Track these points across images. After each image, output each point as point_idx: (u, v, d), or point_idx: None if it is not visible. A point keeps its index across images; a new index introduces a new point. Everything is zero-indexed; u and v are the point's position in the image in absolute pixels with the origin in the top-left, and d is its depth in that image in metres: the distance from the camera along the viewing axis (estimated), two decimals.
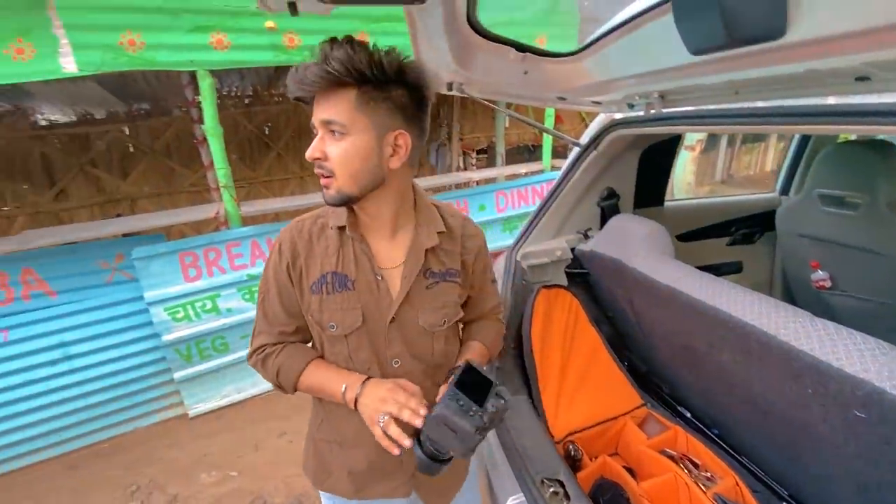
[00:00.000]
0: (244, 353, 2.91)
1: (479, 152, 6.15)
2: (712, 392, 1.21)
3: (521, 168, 4.33)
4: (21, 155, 4.31)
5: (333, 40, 0.68)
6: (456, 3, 1.05)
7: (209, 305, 2.78)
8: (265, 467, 2.46)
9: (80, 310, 2.62)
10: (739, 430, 1.18)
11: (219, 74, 3.55)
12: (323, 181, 0.75)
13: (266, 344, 0.90)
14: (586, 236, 1.59)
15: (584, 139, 1.53)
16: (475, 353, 0.96)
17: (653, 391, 1.50)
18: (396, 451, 0.74)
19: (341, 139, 0.72)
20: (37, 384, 2.57)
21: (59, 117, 4.55)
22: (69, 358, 2.61)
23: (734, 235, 2.03)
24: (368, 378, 0.83)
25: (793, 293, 1.86)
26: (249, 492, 2.30)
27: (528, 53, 1.25)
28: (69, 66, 2.29)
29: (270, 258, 0.87)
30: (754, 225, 2.04)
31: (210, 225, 3.87)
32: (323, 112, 0.71)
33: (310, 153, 0.74)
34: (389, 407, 0.75)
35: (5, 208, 4.36)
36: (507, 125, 5.67)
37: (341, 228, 0.83)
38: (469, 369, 0.78)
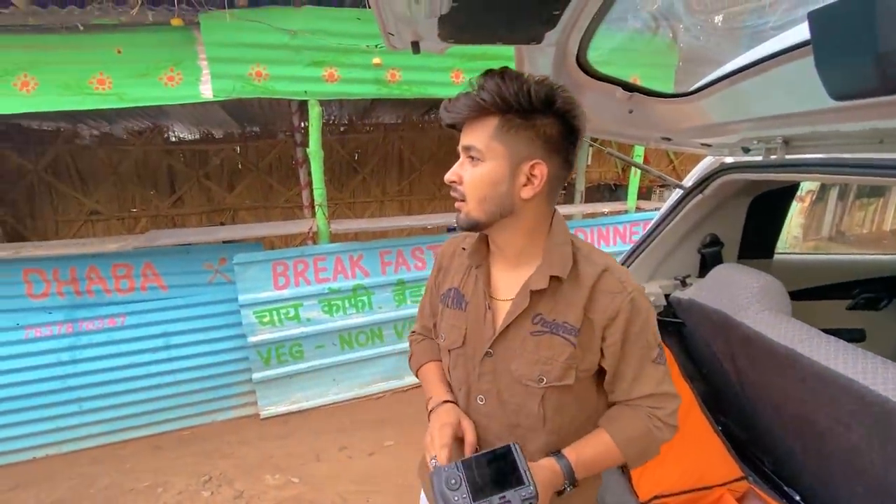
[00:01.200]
0: (317, 362, 3.08)
1: None
2: (832, 475, 1.05)
3: (604, 207, 4.21)
4: (152, 166, 5.00)
5: (489, 71, 0.70)
6: (569, 44, 1.07)
7: (292, 313, 2.96)
8: (325, 479, 2.51)
9: (185, 304, 2.92)
10: None
11: (323, 104, 3.91)
12: (456, 204, 0.76)
13: (415, 331, 1.06)
14: (684, 283, 1.49)
15: (689, 181, 1.46)
16: (593, 447, 0.78)
17: (752, 463, 1.34)
18: None
19: (476, 164, 0.73)
20: (139, 367, 2.87)
21: (186, 135, 5.24)
22: (168, 347, 2.90)
23: (856, 299, 1.80)
24: (446, 402, 0.86)
25: None
26: (308, 500, 2.35)
27: (635, 93, 1.24)
28: (206, 92, 2.65)
29: (435, 264, 0.99)
30: (881, 290, 1.79)
31: (297, 239, 4.18)
32: (466, 138, 0.73)
33: (448, 176, 0.76)
34: (427, 444, 0.81)
35: (133, 210, 5.05)
36: (588, 162, 5.58)
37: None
38: (509, 451, 0.71)
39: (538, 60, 1.15)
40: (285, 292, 2.93)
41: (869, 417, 0.85)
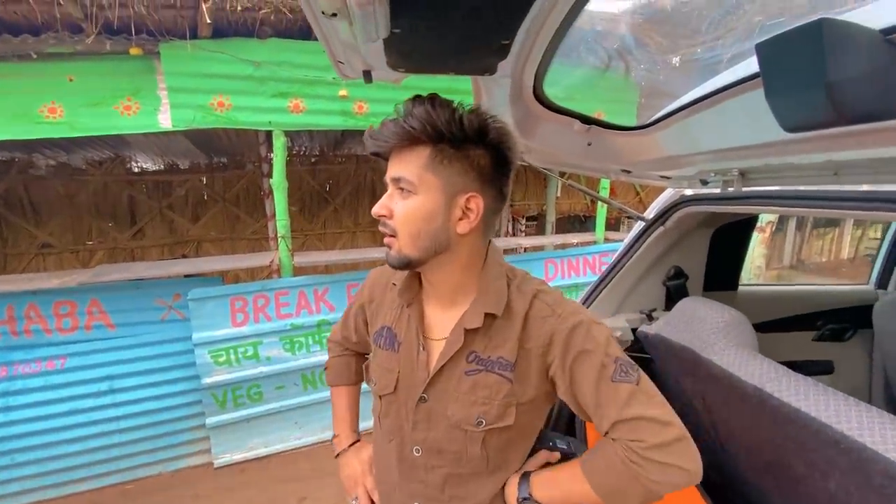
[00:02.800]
0: (277, 404, 2.89)
1: (528, 219, 6.15)
2: None
3: (573, 238, 4.24)
4: (112, 196, 4.80)
5: (416, 97, 0.68)
6: (524, 76, 1.06)
7: (251, 352, 2.79)
8: None
9: (133, 344, 2.71)
10: None
11: (291, 135, 3.86)
12: (386, 240, 0.71)
13: (335, 340, 1.03)
14: (650, 317, 1.45)
15: (650, 213, 1.45)
16: (558, 468, 0.74)
17: None
18: None
19: (408, 197, 0.68)
20: (79, 415, 2.62)
21: (149, 165, 5.08)
22: (113, 391, 2.67)
23: (822, 331, 1.80)
24: (356, 442, 0.94)
25: None
26: None
27: (593, 126, 1.23)
28: (165, 122, 2.57)
29: (362, 286, 0.95)
30: (846, 320, 1.80)
31: (264, 272, 4.03)
32: (394, 169, 0.69)
33: (375, 209, 0.71)
34: (359, 492, 0.85)
35: (89, 242, 4.79)
36: (558, 194, 5.67)
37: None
38: None
39: (494, 92, 1.13)
40: (244, 329, 2.77)
41: (846, 464, 0.79)
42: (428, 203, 0.67)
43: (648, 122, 1.16)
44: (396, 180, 0.69)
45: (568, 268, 3.72)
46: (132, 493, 2.68)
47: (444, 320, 0.76)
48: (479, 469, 0.75)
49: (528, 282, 0.76)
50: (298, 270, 3.06)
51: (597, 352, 0.68)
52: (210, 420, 2.78)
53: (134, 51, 2.44)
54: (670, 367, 1.32)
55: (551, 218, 5.23)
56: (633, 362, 0.71)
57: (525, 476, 0.75)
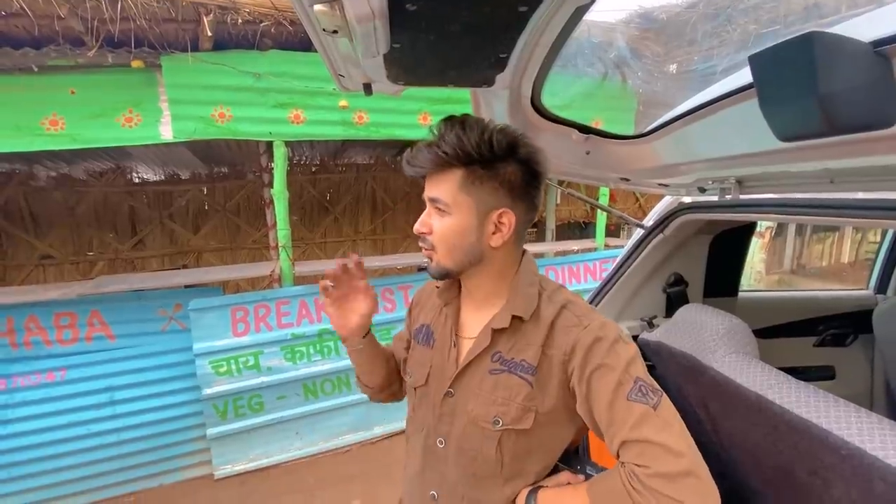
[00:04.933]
0: (278, 414, 2.87)
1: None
2: None
3: (573, 245, 4.25)
4: (113, 207, 4.81)
5: (448, 120, 0.72)
6: (522, 87, 1.07)
7: (251, 362, 2.78)
8: None
9: (133, 355, 2.71)
10: None
11: (292, 145, 3.88)
12: (425, 253, 0.78)
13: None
14: (651, 324, 1.45)
15: (649, 221, 1.46)
16: (565, 489, 0.74)
17: None
18: None
19: (443, 216, 0.74)
20: (79, 427, 2.61)
21: (150, 176, 5.10)
22: (113, 403, 2.66)
23: (823, 336, 1.80)
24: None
25: None
26: None
27: (591, 135, 1.24)
28: (166, 133, 2.59)
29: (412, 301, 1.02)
30: (847, 325, 1.80)
31: (264, 281, 4.02)
32: (430, 190, 0.75)
33: (417, 227, 0.77)
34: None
35: (89, 253, 4.80)
36: (558, 201, 5.69)
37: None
38: None
39: (493, 103, 1.14)
40: (245, 339, 2.76)
41: (848, 471, 0.79)
42: (462, 222, 0.73)
43: (646, 130, 1.17)
44: (433, 200, 0.75)
45: (569, 274, 3.72)
46: None
47: (476, 321, 0.82)
48: (494, 473, 0.76)
49: (561, 293, 0.79)
50: (299, 279, 3.06)
51: (616, 368, 0.67)
52: (211, 431, 2.77)
53: (135, 63, 2.47)
54: (672, 374, 1.32)
55: (551, 225, 5.24)
56: (658, 387, 0.69)
57: (535, 490, 0.76)
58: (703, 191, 1.23)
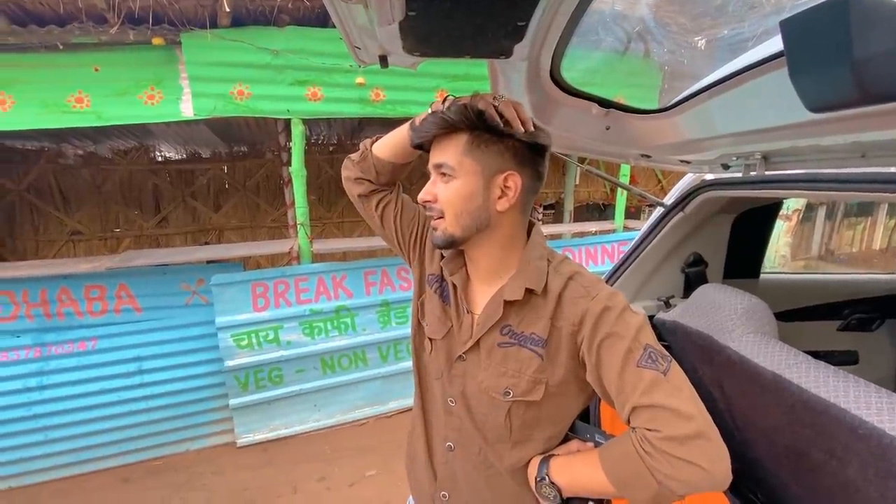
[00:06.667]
0: (297, 387, 2.96)
1: (545, 207, 6.09)
2: None
3: (592, 226, 4.19)
4: (137, 185, 4.94)
5: (456, 98, 0.75)
6: (541, 59, 1.04)
7: (271, 336, 2.86)
8: None
9: (160, 327, 2.81)
10: None
11: (309, 123, 3.89)
12: (433, 223, 0.78)
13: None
14: (668, 304, 1.43)
15: (670, 199, 1.42)
16: (577, 455, 0.76)
17: (743, 496, 1.26)
18: None
19: (449, 181, 0.74)
20: (110, 394, 2.74)
21: (172, 154, 5.19)
22: (141, 372, 2.78)
23: (847, 320, 1.75)
24: None
25: None
26: None
27: (612, 109, 1.21)
28: (187, 111, 2.62)
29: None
30: (872, 310, 1.75)
31: (283, 259, 4.10)
32: (436, 156, 0.76)
33: (421, 196, 0.78)
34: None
35: (116, 230, 4.95)
36: (577, 182, 5.60)
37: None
38: None
39: (512, 76, 1.12)
40: (265, 314, 2.84)
41: (865, 451, 0.78)
42: (468, 185, 0.73)
43: (669, 104, 1.13)
44: (438, 166, 0.75)
45: (587, 256, 3.68)
46: (158, 469, 2.80)
47: (482, 293, 0.82)
48: (503, 438, 0.78)
49: (567, 264, 0.79)
50: (317, 258, 3.11)
51: (625, 336, 0.67)
52: (233, 401, 2.87)
53: (156, 41, 2.49)
54: (687, 354, 1.30)
55: (569, 206, 5.17)
56: (667, 354, 0.69)
57: (547, 458, 0.77)
58: (726, 167, 1.19)
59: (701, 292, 1.25)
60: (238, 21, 2.57)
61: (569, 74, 1.13)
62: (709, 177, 1.30)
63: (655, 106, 1.20)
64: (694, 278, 1.48)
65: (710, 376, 1.22)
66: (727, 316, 1.10)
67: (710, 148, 1.12)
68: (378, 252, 3.32)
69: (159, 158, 5.13)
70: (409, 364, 3.16)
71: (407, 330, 3.12)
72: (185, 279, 2.90)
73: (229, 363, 2.79)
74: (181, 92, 2.60)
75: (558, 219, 5.47)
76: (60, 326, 2.74)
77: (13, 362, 2.63)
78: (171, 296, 2.88)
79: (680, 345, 1.33)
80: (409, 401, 3.22)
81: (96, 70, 2.47)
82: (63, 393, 2.68)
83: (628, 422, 0.68)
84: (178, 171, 5.08)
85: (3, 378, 2.61)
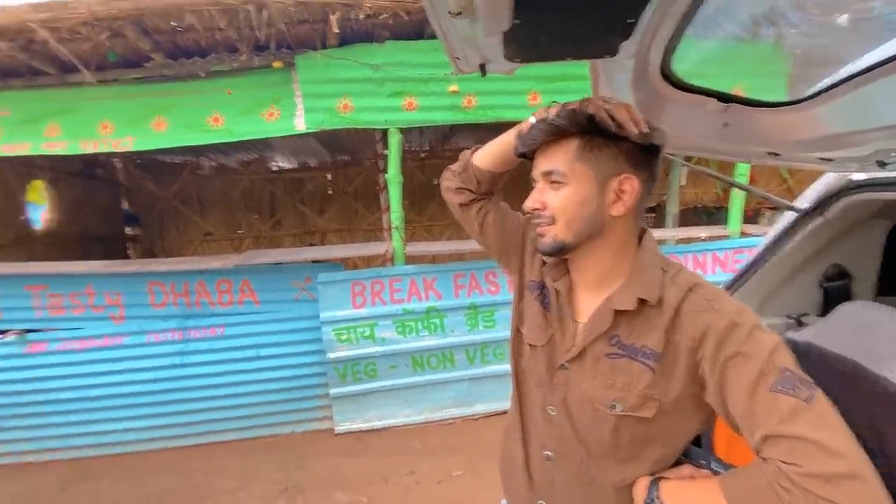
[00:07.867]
0: (389, 382, 3.12)
1: (647, 211, 5.67)
2: None
3: (701, 231, 3.81)
4: (256, 192, 5.60)
5: (564, 104, 0.74)
6: (650, 54, 0.98)
7: (367, 332, 3.05)
8: (391, 503, 2.49)
9: (274, 319, 3.15)
10: None
11: (403, 131, 4.09)
12: (540, 230, 0.75)
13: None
14: (800, 322, 1.25)
15: (805, 203, 1.24)
16: (692, 481, 0.70)
17: None
18: None
19: (560, 188, 0.72)
20: (234, 375, 3.13)
21: (285, 164, 5.80)
22: (259, 358, 3.13)
23: None
24: None
25: None
26: None
27: (732, 104, 1.09)
28: (300, 125, 2.90)
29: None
30: None
31: (377, 260, 4.35)
32: (544, 164, 0.74)
33: (528, 204, 0.75)
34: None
35: (239, 231, 5.66)
36: (682, 182, 5.13)
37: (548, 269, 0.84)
38: None
39: (616, 75, 1.07)
40: (362, 311, 3.03)
41: None
42: (581, 191, 0.71)
43: (805, 95, 0.99)
44: (548, 174, 0.73)
45: (694, 264, 3.36)
46: (271, 446, 3.13)
47: (589, 301, 0.77)
48: (607, 453, 0.73)
49: (685, 274, 0.73)
50: (410, 259, 3.24)
51: (756, 357, 0.60)
52: (333, 391, 3.11)
53: (276, 64, 2.80)
54: (823, 382, 1.13)
55: (673, 209, 4.75)
56: (810, 380, 0.60)
57: (657, 479, 0.72)
58: (883, 165, 1.01)
59: (845, 311, 1.07)
60: (344, 40, 2.79)
61: (680, 67, 1.04)
62: (858, 177, 1.11)
63: (784, 97, 1.06)
64: (834, 294, 1.27)
65: (853, 409, 1.04)
66: (882, 340, 0.93)
67: (860, 143, 0.96)
68: (467, 255, 3.38)
69: (274, 168, 5.76)
70: (495, 368, 3.19)
71: (493, 334, 3.16)
72: (294, 276, 3.22)
73: (330, 355, 3.03)
74: (295, 108, 2.89)
75: (659, 223, 5.06)
76: (198, 314, 3.20)
77: (163, 342, 3.13)
78: (283, 291, 3.21)
79: (813, 368, 1.16)
80: (496, 405, 3.22)
81: (229, 93, 2.84)
82: (198, 371, 3.12)
83: (758, 452, 0.60)
84: (289, 179, 5.67)
85: (155, 355, 3.11)
